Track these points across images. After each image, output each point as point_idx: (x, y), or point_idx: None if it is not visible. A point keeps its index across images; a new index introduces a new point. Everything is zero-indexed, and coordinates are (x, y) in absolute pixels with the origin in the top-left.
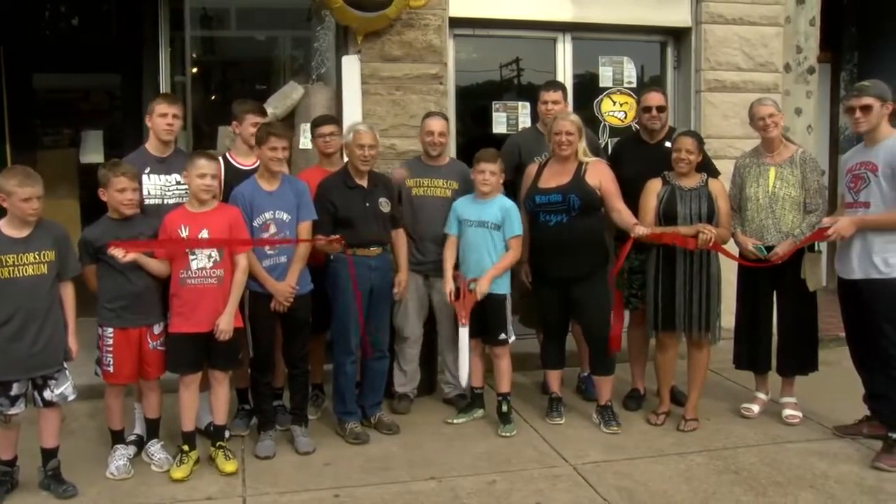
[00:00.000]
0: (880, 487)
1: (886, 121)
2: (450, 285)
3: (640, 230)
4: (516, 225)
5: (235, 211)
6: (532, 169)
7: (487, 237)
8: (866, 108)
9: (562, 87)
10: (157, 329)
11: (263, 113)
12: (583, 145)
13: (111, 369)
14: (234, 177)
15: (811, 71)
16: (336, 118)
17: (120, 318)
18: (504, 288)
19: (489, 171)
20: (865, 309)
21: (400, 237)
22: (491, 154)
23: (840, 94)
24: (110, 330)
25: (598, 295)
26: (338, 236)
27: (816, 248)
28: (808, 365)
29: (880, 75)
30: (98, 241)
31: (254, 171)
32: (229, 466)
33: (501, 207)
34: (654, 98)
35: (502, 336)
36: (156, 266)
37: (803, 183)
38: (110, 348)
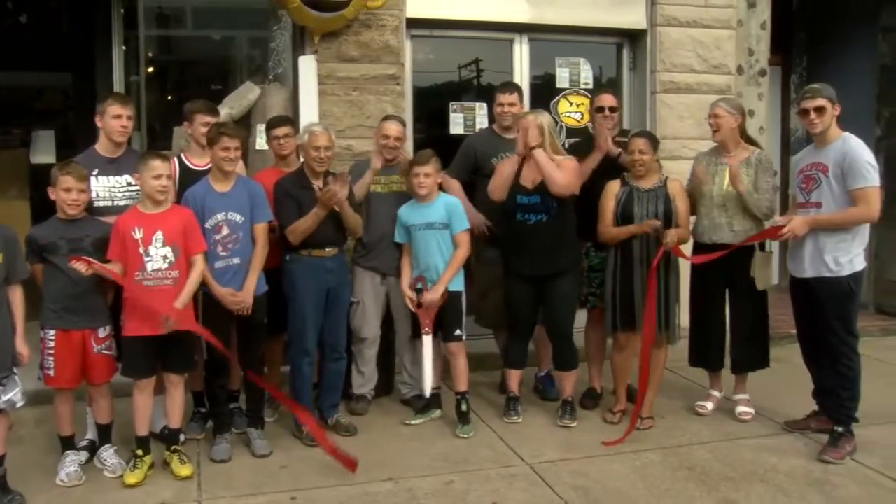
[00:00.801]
0: (826, 479)
1: (835, 123)
2: (409, 293)
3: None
4: (463, 220)
5: (188, 212)
6: (510, 166)
7: (438, 238)
8: (820, 110)
9: (517, 88)
10: (101, 333)
11: (214, 112)
12: (548, 142)
13: (52, 373)
14: (189, 177)
15: (763, 73)
16: (291, 119)
17: (62, 319)
18: (459, 285)
19: (423, 174)
20: (816, 307)
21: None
22: (425, 156)
23: (791, 96)
24: (52, 332)
25: (569, 293)
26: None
27: (768, 247)
28: (759, 362)
29: (828, 78)
30: (43, 239)
31: (209, 171)
32: (184, 470)
33: (445, 205)
34: (606, 99)
35: (458, 332)
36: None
37: (755, 183)
38: (51, 351)
